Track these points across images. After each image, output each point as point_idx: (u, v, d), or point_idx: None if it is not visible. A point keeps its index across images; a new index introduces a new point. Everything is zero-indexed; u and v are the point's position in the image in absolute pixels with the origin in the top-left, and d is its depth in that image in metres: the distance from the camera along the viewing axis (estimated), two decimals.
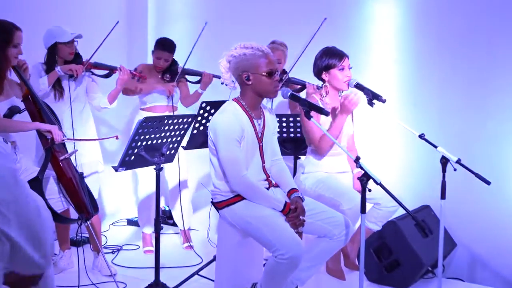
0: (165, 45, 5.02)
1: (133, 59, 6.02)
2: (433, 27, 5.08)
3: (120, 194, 6.27)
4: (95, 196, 4.42)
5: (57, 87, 4.44)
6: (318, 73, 4.14)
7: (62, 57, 4.46)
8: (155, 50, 5.06)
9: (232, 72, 3.35)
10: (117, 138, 4.04)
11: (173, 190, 5.24)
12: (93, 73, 4.62)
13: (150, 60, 5.54)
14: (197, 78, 5.11)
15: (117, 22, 4.68)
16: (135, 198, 6.19)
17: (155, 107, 5.06)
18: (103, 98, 4.66)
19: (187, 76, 5.15)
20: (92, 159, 4.64)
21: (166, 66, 5.07)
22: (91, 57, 4.53)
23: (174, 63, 5.11)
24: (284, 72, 4.92)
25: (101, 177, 4.76)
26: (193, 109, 5.05)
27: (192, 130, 4.23)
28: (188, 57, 4.95)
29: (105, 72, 4.67)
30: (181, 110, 5.24)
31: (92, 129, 4.71)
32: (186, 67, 5.06)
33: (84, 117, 4.62)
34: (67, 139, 4.11)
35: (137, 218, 5.41)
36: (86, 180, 4.28)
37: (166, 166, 5.09)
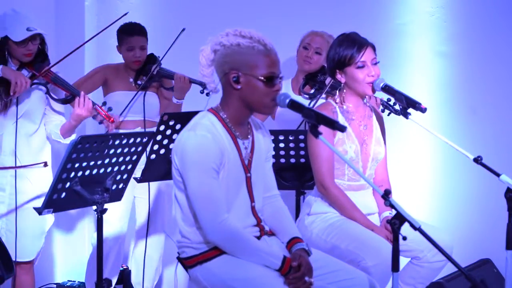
0: (133, 28, 5.13)
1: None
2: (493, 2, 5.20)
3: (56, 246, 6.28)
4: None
5: (3, 94, 4.46)
6: (331, 72, 4.15)
7: (15, 58, 4.51)
8: (120, 41, 5.15)
9: (217, 67, 3.35)
10: (45, 165, 4.03)
11: (139, 231, 5.26)
12: (48, 92, 4.60)
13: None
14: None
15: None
16: (87, 247, 6.16)
17: (122, 122, 5.12)
18: (59, 125, 4.66)
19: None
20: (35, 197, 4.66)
21: (144, 57, 5.16)
22: (52, 66, 4.54)
23: (151, 59, 5.19)
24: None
25: (46, 230, 4.78)
26: None
27: (149, 155, 4.23)
28: (166, 53, 5.01)
29: (63, 95, 4.63)
30: None
31: (45, 160, 4.70)
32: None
33: (35, 143, 4.63)
34: None
35: (84, 280, 5.39)
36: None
37: (138, 194, 5.12)
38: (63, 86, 4.59)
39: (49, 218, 4.73)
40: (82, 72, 6.09)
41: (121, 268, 5.77)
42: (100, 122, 4.59)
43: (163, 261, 5.62)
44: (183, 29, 5.02)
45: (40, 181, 4.64)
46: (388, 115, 4.56)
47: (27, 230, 4.57)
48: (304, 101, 4.62)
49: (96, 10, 6.17)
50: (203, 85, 4.86)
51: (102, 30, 4.72)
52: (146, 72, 5.14)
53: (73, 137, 4.62)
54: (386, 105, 4.64)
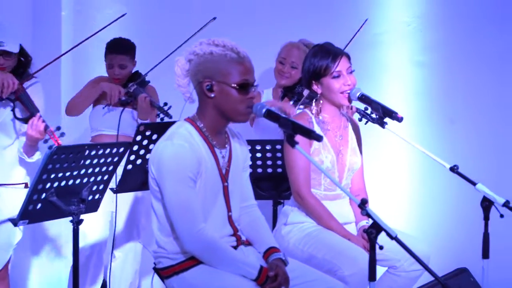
0: (115, 46, 5.11)
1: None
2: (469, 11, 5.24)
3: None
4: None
5: None
6: (307, 83, 4.14)
7: None
8: (105, 57, 5.13)
9: (191, 76, 3.36)
10: (26, 186, 4.02)
11: (120, 237, 5.24)
12: (14, 109, 4.55)
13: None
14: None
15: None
16: (65, 259, 6.12)
17: (100, 136, 5.10)
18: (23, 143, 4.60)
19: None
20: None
21: (125, 75, 5.12)
22: (23, 81, 4.49)
23: (135, 77, 5.15)
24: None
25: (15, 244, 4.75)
26: None
27: (126, 165, 4.22)
28: (155, 66, 5.00)
29: (25, 114, 4.57)
30: None
31: (19, 178, 4.68)
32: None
33: (8, 157, 4.59)
34: None
35: None
36: None
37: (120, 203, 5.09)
38: (26, 105, 4.50)
39: (18, 232, 4.69)
40: (58, 84, 6.06)
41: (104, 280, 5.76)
42: (50, 148, 4.23)
43: (142, 272, 5.59)
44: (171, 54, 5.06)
45: (12, 199, 4.58)
46: (366, 123, 4.57)
47: None
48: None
49: (73, 21, 6.16)
50: (162, 110, 4.87)
51: (83, 41, 4.69)
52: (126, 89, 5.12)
53: (37, 155, 4.58)
54: (363, 114, 4.65)
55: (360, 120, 4.52)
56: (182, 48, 4.88)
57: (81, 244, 5.09)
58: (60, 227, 6.19)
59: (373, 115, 4.49)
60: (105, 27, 4.70)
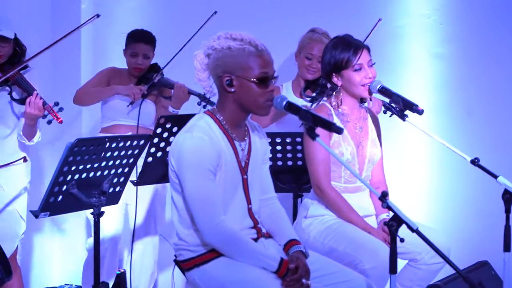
0: (140, 35, 5.15)
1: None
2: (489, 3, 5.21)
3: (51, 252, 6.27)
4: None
5: None
6: (327, 75, 4.14)
7: None
8: (127, 45, 5.18)
9: (210, 71, 3.35)
10: (25, 160, 4.02)
11: (132, 235, 5.25)
12: (11, 93, 4.58)
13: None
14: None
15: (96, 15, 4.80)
16: (82, 250, 6.15)
17: (114, 127, 5.13)
18: (22, 127, 4.62)
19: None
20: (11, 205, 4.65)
21: (147, 66, 5.17)
22: (19, 69, 4.52)
23: (155, 68, 5.20)
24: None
25: (21, 234, 4.77)
26: None
27: (146, 158, 4.23)
28: (172, 58, 5.02)
29: (22, 95, 4.59)
30: None
31: (20, 169, 4.71)
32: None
33: (8, 147, 4.62)
34: None
35: (81, 284, 5.38)
36: None
37: (129, 200, 5.12)
38: (23, 87, 4.55)
39: (22, 223, 4.74)
40: (78, 77, 6.09)
41: (118, 272, 5.77)
42: (49, 123, 4.49)
43: (159, 264, 5.61)
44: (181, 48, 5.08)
45: (13, 186, 4.68)
46: (390, 116, 4.56)
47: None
48: (305, 103, 4.61)
49: (93, 14, 6.14)
50: (201, 96, 4.87)
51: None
52: (147, 80, 5.15)
53: (37, 137, 4.62)
54: (388, 107, 4.62)
55: (385, 112, 4.52)
56: (193, 42, 4.93)
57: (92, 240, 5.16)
58: (71, 222, 6.24)
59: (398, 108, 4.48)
60: (80, 26, 4.76)
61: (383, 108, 4.48)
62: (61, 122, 4.48)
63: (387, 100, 4.29)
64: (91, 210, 3.92)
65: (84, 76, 5.87)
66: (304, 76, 5.06)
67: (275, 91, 4.93)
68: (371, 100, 4.29)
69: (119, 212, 5.15)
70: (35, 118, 4.48)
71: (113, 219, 5.08)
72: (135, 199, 5.00)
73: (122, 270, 5.63)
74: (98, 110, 5.36)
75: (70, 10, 6.20)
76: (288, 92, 5.19)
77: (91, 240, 5.20)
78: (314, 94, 4.66)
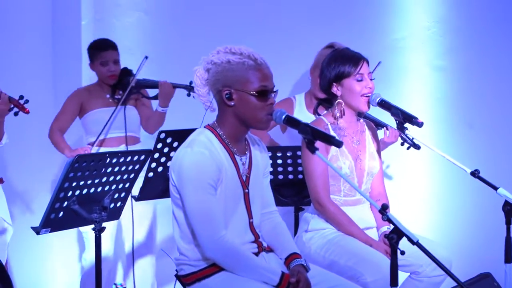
0: (105, 43, 5.18)
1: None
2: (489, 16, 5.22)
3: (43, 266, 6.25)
4: None
5: None
6: (327, 86, 4.14)
7: None
8: (93, 57, 5.18)
9: (210, 86, 3.36)
10: (2, 181, 4.04)
11: (129, 255, 5.25)
12: None
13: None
14: (156, 91, 5.17)
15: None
16: (77, 267, 6.15)
17: (105, 141, 5.14)
18: None
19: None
20: None
21: (119, 71, 5.18)
22: None
23: (126, 72, 5.21)
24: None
25: (8, 240, 4.74)
26: None
27: (147, 173, 4.23)
28: (142, 63, 5.03)
29: None
30: (145, 142, 5.31)
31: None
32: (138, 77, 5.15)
33: None
34: None
35: None
36: None
37: (124, 219, 5.10)
38: None
39: (9, 228, 4.70)
40: (79, 83, 6.12)
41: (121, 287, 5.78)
42: (16, 114, 4.51)
43: (160, 279, 5.61)
44: (146, 57, 5.11)
45: None
46: (408, 148, 4.57)
47: None
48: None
49: (93, 30, 6.19)
50: (187, 88, 4.90)
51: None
52: (122, 86, 5.15)
53: (5, 138, 4.61)
54: (405, 139, 4.60)
55: (402, 144, 4.53)
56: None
57: (88, 255, 5.15)
58: (65, 237, 6.22)
59: (415, 140, 4.47)
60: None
61: (400, 140, 4.48)
62: (27, 112, 4.51)
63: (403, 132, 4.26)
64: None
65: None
66: (317, 94, 5.04)
67: (288, 103, 4.95)
68: (387, 129, 4.31)
69: (111, 228, 5.14)
70: (2, 114, 4.49)
71: (106, 233, 5.09)
72: (131, 215, 5.02)
73: (124, 286, 5.64)
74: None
75: (70, 26, 6.23)
76: (300, 103, 5.18)
77: (86, 255, 5.20)
78: (325, 112, 4.67)
